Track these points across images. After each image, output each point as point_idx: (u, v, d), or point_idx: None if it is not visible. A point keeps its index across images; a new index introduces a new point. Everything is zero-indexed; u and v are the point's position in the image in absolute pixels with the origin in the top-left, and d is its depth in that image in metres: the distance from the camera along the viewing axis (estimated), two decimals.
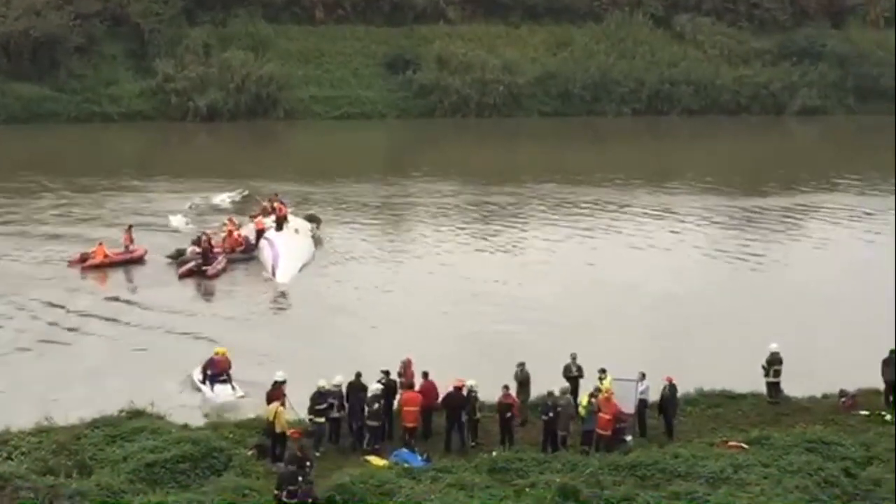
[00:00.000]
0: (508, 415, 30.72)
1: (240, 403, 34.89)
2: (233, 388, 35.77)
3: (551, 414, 30.41)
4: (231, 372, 35.93)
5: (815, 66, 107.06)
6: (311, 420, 30.58)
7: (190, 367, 37.20)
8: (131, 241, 52.42)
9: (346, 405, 31.00)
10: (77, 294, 46.98)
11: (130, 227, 53.54)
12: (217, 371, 35.84)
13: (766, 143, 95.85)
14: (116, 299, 46.46)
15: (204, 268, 49.58)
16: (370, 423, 30.63)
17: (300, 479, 25.79)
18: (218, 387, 35.71)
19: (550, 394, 30.88)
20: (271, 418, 29.68)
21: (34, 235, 56.65)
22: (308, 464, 26.34)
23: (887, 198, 69.61)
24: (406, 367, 32.60)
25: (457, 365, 33.30)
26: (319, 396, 30.59)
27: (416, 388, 31.70)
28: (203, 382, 36.08)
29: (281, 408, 29.60)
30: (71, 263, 51.12)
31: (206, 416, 32.92)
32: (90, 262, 50.94)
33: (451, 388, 31.12)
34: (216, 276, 49.53)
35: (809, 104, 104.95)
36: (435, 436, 31.45)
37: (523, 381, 32.65)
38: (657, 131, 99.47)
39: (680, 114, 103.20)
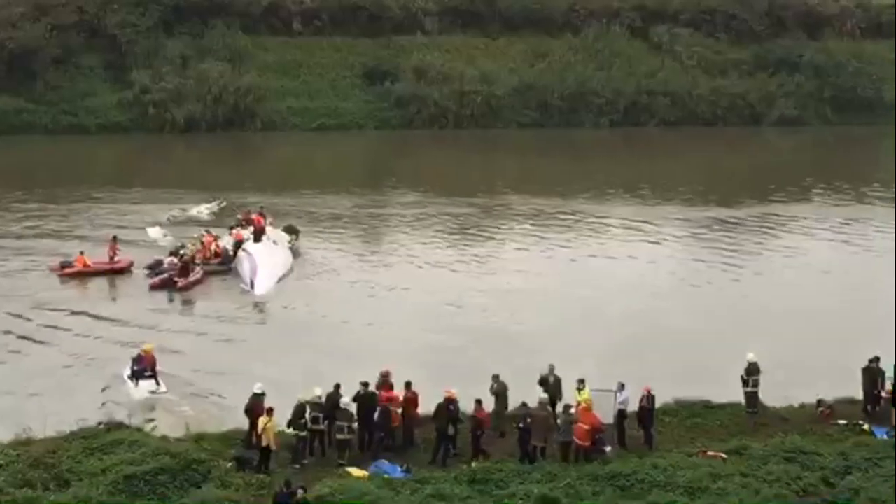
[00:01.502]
0: (479, 432, 30.71)
1: (161, 399, 35.94)
2: (157, 383, 36.66)
3: (522, 424, 30.43)
4: (158, 368, 36.82)
5: (792, 76, 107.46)
6: (296, 433, 30.46)
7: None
8: (115, 251, 52.37)
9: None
10: (50, 304, 46.75)
11: (115, 237, 53.50)
12: (142, 367, 36.74)
13: (744, 154, 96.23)
14: (91, 311, 46.23)
15: (176, 279, 49.43)
16: (339, 436, 30.56)
17: None
18: (142, 382, 36.62)
19: (524, 405, 30.87)
20: (260, 432, 29.64)
21: (8, 247, 56.33)
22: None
23: (865, 208, 70.02)
24: (385, 378, 32.53)
25: (435, 375, 33.27)
26: (301, 409, 30.53)
27: (400, 398, 31.73)
28: (130, 378, 36.76)
29: (269, 423, 29.53)
30: (51, 269, 51.24)
31: (186, 427, 32.73)
32: (69, 269, 50.95)
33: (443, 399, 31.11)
34: (187, 287, 49.37)
35: (787, 115, 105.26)
36: (414, 446, 31.41)
37: (499, 393, 32.63)
38: (634, 142, 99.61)
39: (657, 125, 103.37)
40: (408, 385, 31.93)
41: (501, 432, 31.93)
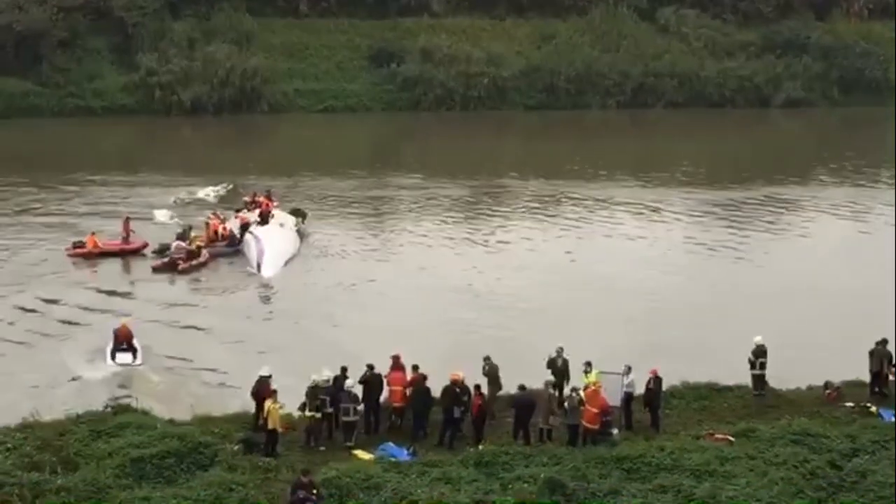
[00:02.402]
0: (480, 417, 30.71)
1: (137, 371, 36.75)
2: (133, 356, 37.49)
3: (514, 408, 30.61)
4: (134, 342, 37.74)
5: (800, 58, 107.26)
6: (312, 416, 30.47)
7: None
8: (129, 232, 52.54)
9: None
10: (57, 286, 46.94)
11: (128, 218, 53.70)
12: (118, 341, 37.71)
13: (751, 136, 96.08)
14: (103, 291, 46.39)
15: (177, 262, 49.46)
16: (345, 419, 30.58)
17: None
18: (119, 355, 37.55)
19: (521, 387, 30.80)
20: (265, 415, 29.65)
21: (16, 228, 56.44)
22: (315, 492, 25.89)
23: (870, 189, 69.91)
24: (395, 360, 32.44)
25: (442, 358, 33.23)
26: (314, 391, 30.54)
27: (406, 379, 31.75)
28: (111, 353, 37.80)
29: (274, 405, 29.53)
30: (67, 251, 51.41)
31: (192, 408, 32.71)
32: (81, 250, 51.17)
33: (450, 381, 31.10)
34: (189, 270, 49.36)
35: (794, 96, 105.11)
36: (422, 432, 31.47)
37: (491, 375, 32.55)
38: (642, 124, 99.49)
39: (664, 106, 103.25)
40: (415, 368, 31.87)
41: (492, 415, 31.76)
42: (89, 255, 51.20)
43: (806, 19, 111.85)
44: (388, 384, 31.70)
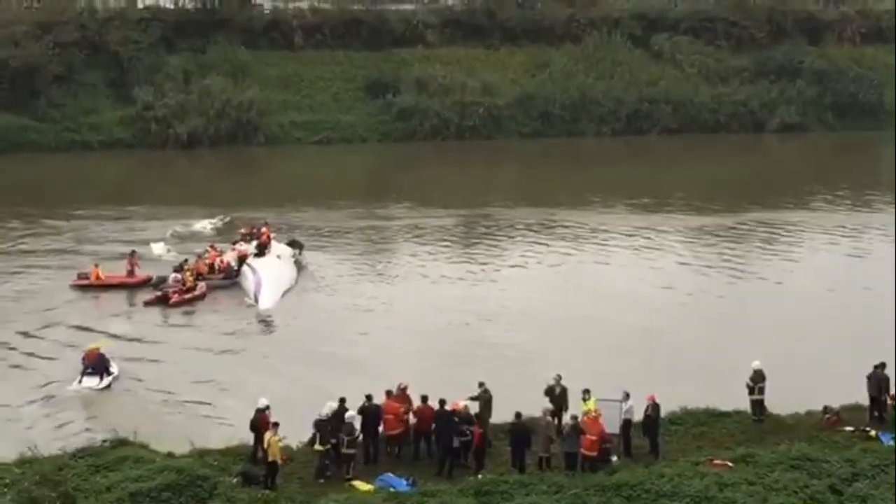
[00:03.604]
0: (478, 445, 30.70)
1: (102, 394, 37.89)
2: (100, 379, 38.74)
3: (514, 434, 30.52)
4: (111, 366, 39.25)
5: (793, 83, 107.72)
6: (325, 449, 30.40)
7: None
8: (134, 266, 52.83)
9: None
10: (47, 317, 46.94)
11: (133, 252, 54.06)
12: (86, 364, 39.00)
13: (746, 161, 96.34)
14: (95, 326, 46.23)
15: (169, 295, 49.46)
16: (346, 451, 30.50)
17: None
18: (85, 378, 38.83)
19: (518, 415, 30.73)
20: (265, 447, 29.61)
21: (12, 264, 56.48)
22: None
23: (866, 213, 69.96)
24: (403, 391, 32.42)
25: (439, 386, 33.16)
26: (324, 424, 30.48)
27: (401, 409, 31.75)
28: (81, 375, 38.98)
29: (274, 437, 29.48)
30: (70, 283, 51.98)
31: (190, 443, 32.66)
32: (84, 280, 51.67)
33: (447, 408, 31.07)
34: (181, 303, 49.34)
35: (788, 121, 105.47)
36: (422, 460, 31.38)
37: (486, 400, 32.52)
38: (637, 151, 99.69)
39: (659, 133, 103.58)
40: (424, 399, 31.77)
41: (488, 442, 31.71)
42: (93, 288, 51.45)
43: (799, 44, 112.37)
44: (384, 412, 31.64)
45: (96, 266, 52.50)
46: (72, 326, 45.87)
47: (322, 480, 29.95)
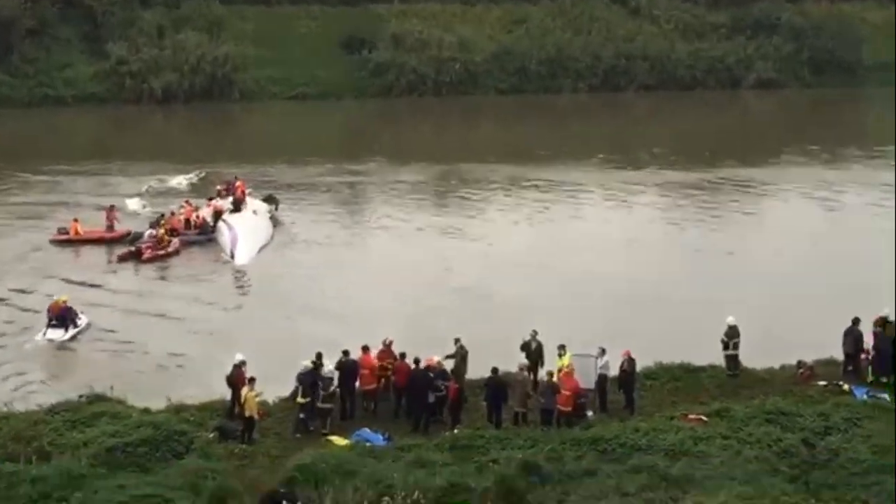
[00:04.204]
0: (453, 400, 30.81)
1: (77, 348, 38.43)
2: (65, 331, 39.16)
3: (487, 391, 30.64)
4: (77, 317, 39.70)
5: (770, 39, 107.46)
6: (306, 401, 30.43)
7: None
8: (113, 221, 52.69)
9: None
10: (32, 275, 46.75)
11: (113, 206, 53.94)
12: (50, 316, 39.46)
13: (722, 118, 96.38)
14: (73, 279, 46.17)
15: (142, 251, 49.28)
16: (322, 405, 30.53)
17: None
18: (50, 330, 39.25)
19: (494, 370, 30.78)
20: (242, 402, 29.62)
21: None
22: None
23: (842, 169, 70.18)
24: (387, 347, 32.46)
25: (416, 342, 33.19)
26: (306, 377, 30.49)
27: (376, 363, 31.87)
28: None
29: (251, 392, 29.49)
30: (50, 238, 51.86)
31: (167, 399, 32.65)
32: (63, 236, 51.58)
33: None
34: (153, 259, 49.15)
35: (764, 77, 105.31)
36: (401, 417, 31.47)
37: (461, 356, 32.56)
38: (613, 107, 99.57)
39: (636, 89, 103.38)
40: (402, 356, 31.80)
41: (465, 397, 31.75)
42: (72, 242, 51.38)
43: (776, 0, 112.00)
44: (361, 368, 31.67)
45: (75, 221, 52.26)
46: (48, 279, 45.73)
47: (299, 435, 30.00)
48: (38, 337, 39.00)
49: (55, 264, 48.72)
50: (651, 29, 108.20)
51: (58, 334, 39.04)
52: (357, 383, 31.59)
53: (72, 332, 39.35)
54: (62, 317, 39.42)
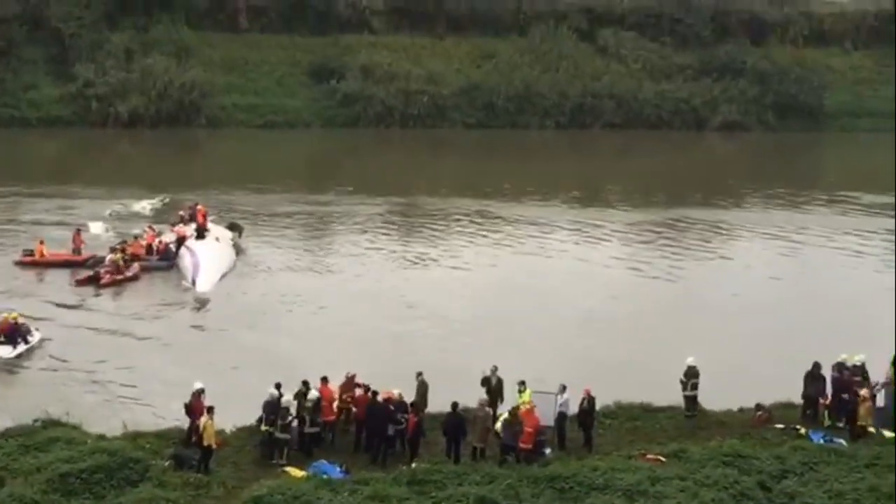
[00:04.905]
0: (414, 436, 30.72)
1: (16, 364, 38.29)
2: (13, 348, 38.99)
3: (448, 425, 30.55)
4: (30, 334, 39.72)
5: (736, 82, 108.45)
6: (267, 430, 30.31)
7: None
8: (80, 245, 52.35)
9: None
10: None
11: (79, 230, 53.54)
12: (0, 333, 39.29)
13: (687, 158, 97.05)
14: (40, 303, 45.76)
15: (101, 276, 48.87)
16: (279, 436, 30.38)
17: None
18: None
19: (454, 405, 30.72)
20: (201, 430, 29.42)
21: None
22: None
23: (804, 213, 70.69)
24: (350, 380, 32.34)
25: (376, 374, 33.11)
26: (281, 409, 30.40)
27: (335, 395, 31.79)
28: None
29: (210, 421, 29.29)
30: (14, 261, 51.52)
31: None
32: (28, 258, 51.26)
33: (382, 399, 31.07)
34: (112, 284, 48.75)
35: (729, 119, 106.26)
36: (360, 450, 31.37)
37: (422, 391, 32.53)
38: (580, 145, 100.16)
39: (602, 127, 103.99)
40: (366, 388, 31.70)
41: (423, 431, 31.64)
42: (37, 264, 51.06)
43: (742, 44, 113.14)
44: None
45: (41, 243, 51.89)
46: (8, 300, 45.23)
47: (273, 462, 29.87)
48: None
49: (18, 285, 48.42)
50: (618, 68, 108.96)
51: (5, 351, 38.85)
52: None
53: (21, 348, 39.19)
54: (11, 334, 39.27)
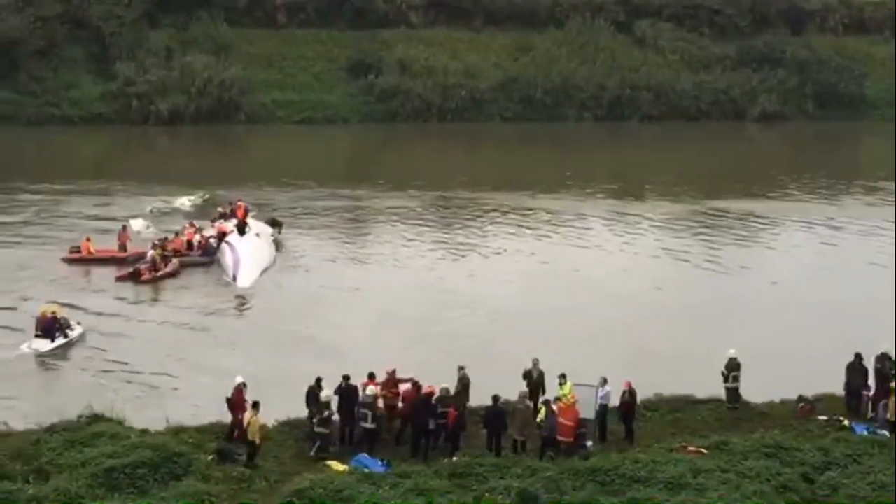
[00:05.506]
0: (455, 430, 30.77)
1: (54, 360, 38.80)
2: (51, 342, 39.53)
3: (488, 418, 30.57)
4: (69, 328, 40.34)
5: (775, 72, 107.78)
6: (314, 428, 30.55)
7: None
8: (126, 241, 52.84)
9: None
10: (28, 295, 46.66)
11: (125, 226, 54.16)
12: (39, 327, 39.86)
13: (726, 149, 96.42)
14: (80, 299, 46.04)
15: (141, 272, 49.23)
16: (318, 430, 30.49)
17: None
18: (35, 341, 39.66)
19: (496, 398, 30.76)
20: (245, 426, 29.56)
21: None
22: None
23: (843, 204, 70.21)
24: (390, 376, 32.39)
25: (421, 368, 33.19)
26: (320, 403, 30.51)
27: (401, 396, 31.84)
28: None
29: (255, 417, 29.41)
30: (62, 258, 51.92)
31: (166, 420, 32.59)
32: (75, 255, 51.69)
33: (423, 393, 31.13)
34: (153, 281, 49.12)
35: (769, 110, 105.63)
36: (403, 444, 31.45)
37: (464, 384, 32.55)
38: (618, 137, 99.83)
39: (640, 119, 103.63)
40: (415, 383, 31.72)
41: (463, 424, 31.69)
42: (84, 261, 51.55)
43: (781, 34, 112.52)
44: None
45: (87, 240, 52.36)
46: (54, 293, 45.62)
47: (312, 454, 30.03)
48: (23, 347, 39.30)
49: (64, 281, 48.92)
50: (656, 59, 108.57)
51: (42, 345, 39.35)
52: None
53: (59, 342, 39.69)
54: (48, 328, 39.76)
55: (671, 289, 49.76)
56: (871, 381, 34.08)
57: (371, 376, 31.89)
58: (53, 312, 40.32)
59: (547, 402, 30.82)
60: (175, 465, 28.05)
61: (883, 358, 34.03)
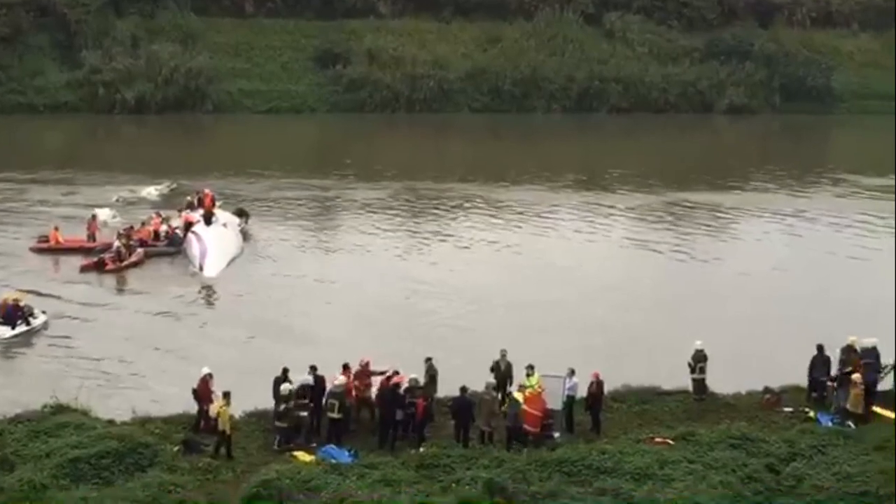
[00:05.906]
0: (422, 420, 30.76)
1: (37, 358, 38.30)
2: (12, 328, 39.67)
3: (454, 408, 30.58)
4: (32, 315, 40.39)
5: (743, 65, 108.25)
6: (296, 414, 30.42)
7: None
8: (96, 231, 52.62)
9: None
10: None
11: (94, 216, 53.74)
12: (0, 314, 40.06)
13: (694, 142, 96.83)
14: (44, 288, 45.75)
15: (106, 262, 49.01)
16: (278, 423, 30.36)
17: None
18: None
19: (463, 389, 30.74)
20: (215, 416, 29.42)
21: None
22: None
23: (810, 197, 70.53)
24: (363, 367, 32.34)
25: (385, 358, 33.11)
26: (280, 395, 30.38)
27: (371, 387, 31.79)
28: None
29: (224, 407, 29.28)
30: (30, 247, 51.81)
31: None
32: (43, 244, 51.50)
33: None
34: (118, 270, 48.91)
35: (736, 102, 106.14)
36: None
37: (431, 376, 32.54)
38: (586, 129, 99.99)
39: (609, 111, 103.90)
40: (388, 378, 31.57)
41: (430, 415, 31.65)
42: (52, 250, 51.25)
43: (749, 27, 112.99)
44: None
45: (55, 229, 52.07)
46: (18, 283, 45.32)
47: (277, 447, 29.94)
48: None
49: (30, 271, 48.69)
50: (625, 51, 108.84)
51: (2, 331, 39.38)
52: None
53: (20, 329, 39.71)
54: (10, 315, 39.80)
55: (638, 280, 49.85)
56: (834, 372, 34.20)
57: (345, 367, 31.78)
58: (16, 300, 40.26)
59: (509, 394, 30.85)
60: (141, 456, 27.90)
61: (848, 350, 34.17)
